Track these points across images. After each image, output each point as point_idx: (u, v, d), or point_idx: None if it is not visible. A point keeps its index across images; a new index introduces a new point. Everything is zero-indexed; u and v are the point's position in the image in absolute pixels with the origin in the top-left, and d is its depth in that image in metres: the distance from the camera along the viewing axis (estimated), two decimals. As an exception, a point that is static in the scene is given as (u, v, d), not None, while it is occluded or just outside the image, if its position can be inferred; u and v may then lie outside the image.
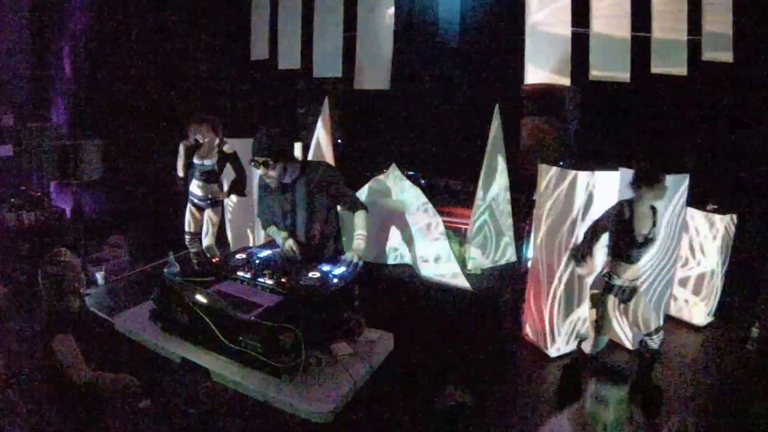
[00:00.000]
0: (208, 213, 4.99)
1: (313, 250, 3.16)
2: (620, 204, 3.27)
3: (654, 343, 3.45)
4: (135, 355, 2.71)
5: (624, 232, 3.23)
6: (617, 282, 3.38)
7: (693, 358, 4.46)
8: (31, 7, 6.98)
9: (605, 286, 3.46)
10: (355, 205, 3.15)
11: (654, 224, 3.27)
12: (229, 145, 4.85)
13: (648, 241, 3.26)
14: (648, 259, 3.44)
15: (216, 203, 4.98)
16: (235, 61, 7.07)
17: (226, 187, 5.01)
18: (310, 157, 5.59)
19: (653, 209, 3.28)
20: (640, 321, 3.46)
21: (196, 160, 4.78)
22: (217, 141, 4.77)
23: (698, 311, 4.88)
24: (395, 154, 5.87)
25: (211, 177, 4.84)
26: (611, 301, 3.44)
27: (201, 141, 4.70)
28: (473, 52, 6.14)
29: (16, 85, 7.00)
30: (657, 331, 3.48)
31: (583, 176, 3.89)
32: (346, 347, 2.42)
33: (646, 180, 3.14)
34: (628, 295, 3.43)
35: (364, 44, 6.24)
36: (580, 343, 3.76)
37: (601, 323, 3.53)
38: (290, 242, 3.01)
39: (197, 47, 7.12)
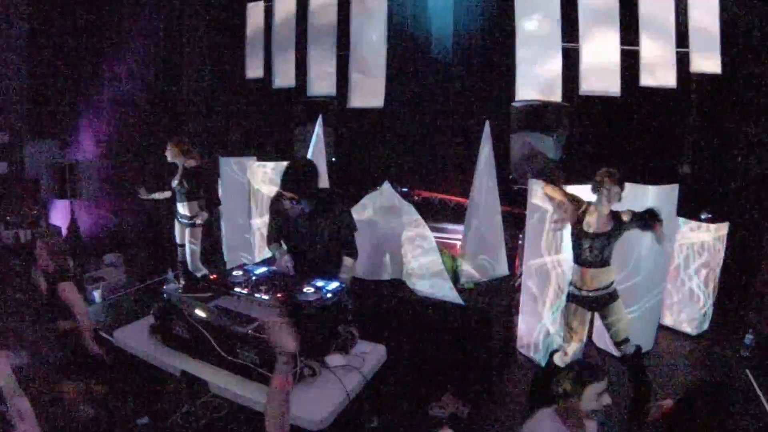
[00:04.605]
0: (186, 233, 5.09)
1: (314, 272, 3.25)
2: (587, 202, 3.50)
3: (628, 349, 3.51)
4: (134, 368, 2.77)
5: (576, 228, 3.47)
6: (574, 291, 3.54)
7: (687, 367, 4.50)
8: (28, 27, 7.08)
9: (567, 294, 3.61)
10: (350, 254, 3.28)
11: (612, 227, 3.40)
12: (194, 160, 4.94)
13: (592, 239, 3.41)
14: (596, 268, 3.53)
15: (194, 224, 5.05)
16: (230, 80, 7.18)
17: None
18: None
19: (616, 216, 3.40)
20: (611, 330, 3.56)
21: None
22: (181, 159, 4.89)
23: (692, 320, 4.91)
24: (388, 171, 5.95)
25: (182, 195, 4.97)
26: (571, 309, 3.55)
27: (169, 160, 4.90)
28: (466, 69, 6.26)
29: (11, 102, 7.06)
30: (624, 342, 3.54)
31: (572, 190, 3.97)
32: (339, 359, 2.50)
33: (594, 183, 3.40)
34: (594, 304, 3.53)
35: (358, 63, 6.35)
36: (552, 354, 3.79)
37: (564, 332, 3.63)
38: (286, 258, 3.09)
39: (193, 66, 7.23)
